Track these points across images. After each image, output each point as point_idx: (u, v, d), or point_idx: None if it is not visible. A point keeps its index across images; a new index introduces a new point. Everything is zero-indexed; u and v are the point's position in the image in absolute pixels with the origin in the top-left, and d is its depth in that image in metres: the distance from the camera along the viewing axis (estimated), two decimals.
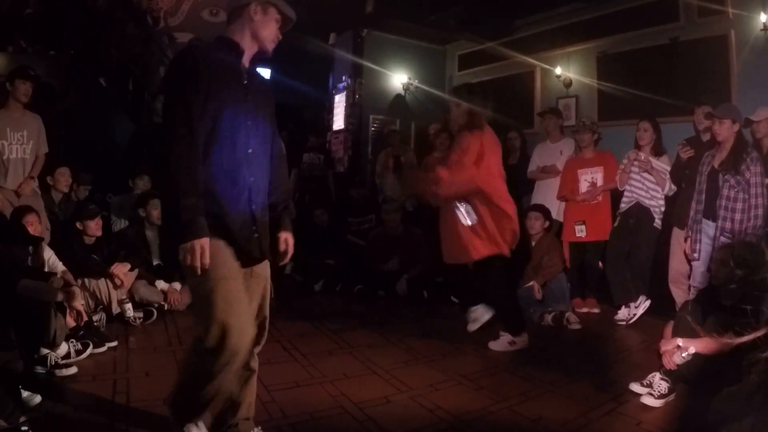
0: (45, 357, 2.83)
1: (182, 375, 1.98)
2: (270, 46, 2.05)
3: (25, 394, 2.30)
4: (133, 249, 4.20)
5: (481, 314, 3.59)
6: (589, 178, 4.72)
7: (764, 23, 4.65)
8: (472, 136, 3.34)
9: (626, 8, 5.79)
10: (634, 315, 4.27)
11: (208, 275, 1.77)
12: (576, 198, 4.73)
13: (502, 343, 3.59)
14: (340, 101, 7.86)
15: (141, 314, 3.89)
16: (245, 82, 1.97)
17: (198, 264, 1.73)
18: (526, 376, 3.08)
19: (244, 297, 1.91)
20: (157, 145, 1.83)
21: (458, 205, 3.39)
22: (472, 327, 3.60)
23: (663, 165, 4.35)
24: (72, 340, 3.05)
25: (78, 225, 3.96)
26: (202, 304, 1.83)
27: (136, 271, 4.07)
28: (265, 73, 9.84)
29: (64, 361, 2.88)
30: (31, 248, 3.33)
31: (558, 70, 6.50)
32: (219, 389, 1.86)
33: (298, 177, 6.31)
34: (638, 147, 4.42)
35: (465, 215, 3.38)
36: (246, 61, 2.01)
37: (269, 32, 2.01)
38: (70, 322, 3.16)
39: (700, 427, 2.14)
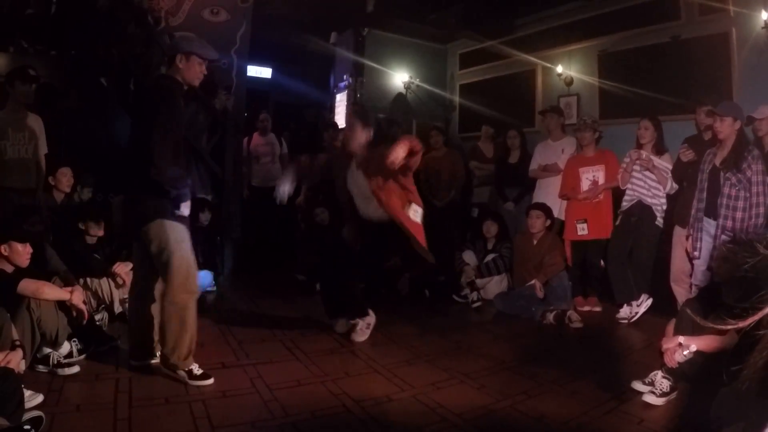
0: (47, 356, 2.84)
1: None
2: (195, 83, 2.79)
3: (27, 393, 2.30)
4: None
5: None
6: (591, 176, 4.72)
7: (765, 21, 4.63)
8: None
9: (627, 6, 5.78)
10: (636, 313, 4.26)
11: None
12: (578, 196, 4.73)
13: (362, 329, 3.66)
14: (341, 100, 7.86)
15: None
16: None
17: None
18: (528, 375, 3.09)
19: None
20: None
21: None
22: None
23: (664, 163, 4.34)
24: (74, 339, 3.05)
25: (80, 225, 3.96)
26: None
27: None
28: (266, 72, 9.87)
29: (66, 360, 2.88)
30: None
31: (559, 69, 6.50)
32: None
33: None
34: (639, 145, 4.41)
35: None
36: None
37: (193, 73, 2.74)
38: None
39: (701, 426, 2.13)
